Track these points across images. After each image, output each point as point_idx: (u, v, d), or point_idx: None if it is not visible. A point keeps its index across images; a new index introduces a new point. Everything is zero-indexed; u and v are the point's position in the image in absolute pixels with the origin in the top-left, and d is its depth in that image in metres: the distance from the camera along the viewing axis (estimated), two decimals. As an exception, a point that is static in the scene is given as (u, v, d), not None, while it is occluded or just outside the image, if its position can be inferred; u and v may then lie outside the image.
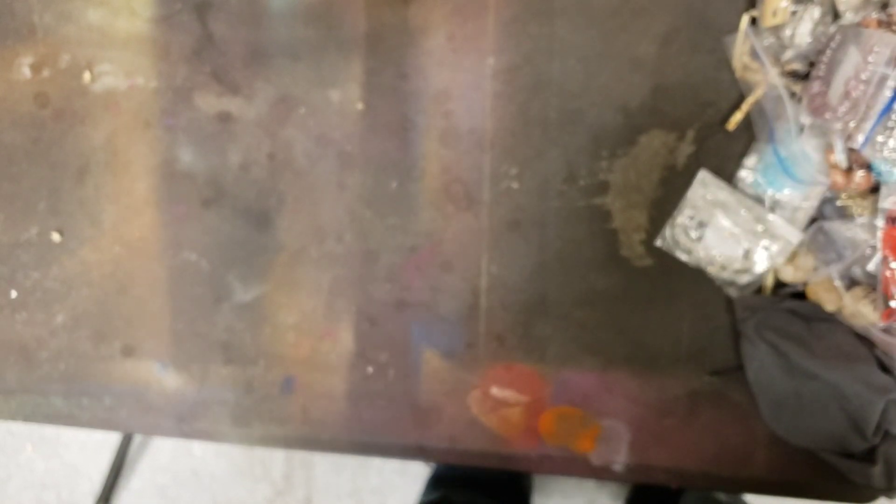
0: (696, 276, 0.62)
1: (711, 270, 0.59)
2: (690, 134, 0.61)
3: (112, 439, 1.51)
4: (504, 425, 0.64)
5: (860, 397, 0.55)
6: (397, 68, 0.63)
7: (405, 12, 0.62)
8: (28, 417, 0.71)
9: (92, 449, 1.52)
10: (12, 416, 0.71)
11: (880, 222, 0.55)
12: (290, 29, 0.63)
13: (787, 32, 0.55)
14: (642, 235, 0.62)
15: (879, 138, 0.53)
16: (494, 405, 0.60)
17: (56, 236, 0.68)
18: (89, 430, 0.72)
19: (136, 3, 0.65)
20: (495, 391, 0.61)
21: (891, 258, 0.54)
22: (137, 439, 1.52)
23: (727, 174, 0.61)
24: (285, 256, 0.66)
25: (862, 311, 0.56)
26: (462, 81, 0.62)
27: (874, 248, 0.56)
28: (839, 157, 0.56)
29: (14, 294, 0.69)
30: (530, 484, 1.31)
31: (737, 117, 0.59)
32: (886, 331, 0.56)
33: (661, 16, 0.60)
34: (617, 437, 0.64)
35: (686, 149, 0.61)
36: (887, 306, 0.55)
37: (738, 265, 0.58)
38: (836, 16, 0.55)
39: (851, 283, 0.57)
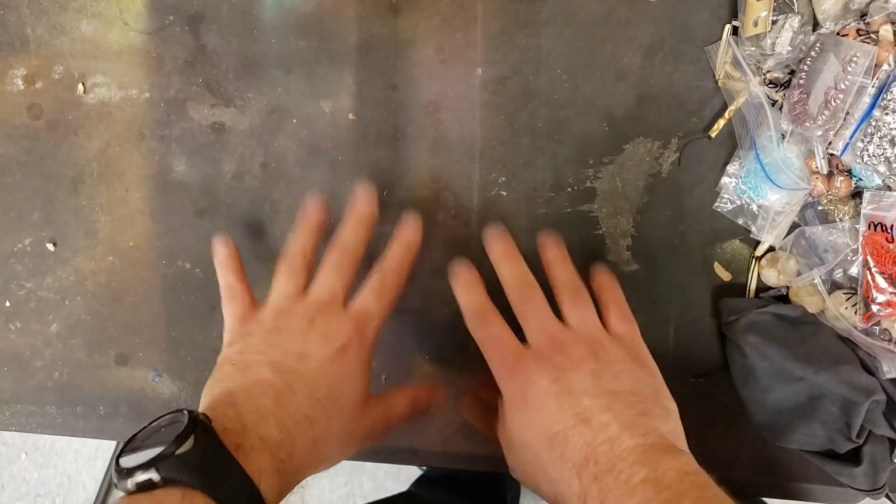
0: (681, 281, 0.63)
1: None
2: (674, 142, 0.62)
3: (106, 447, 1.51)
4: (495, 428, 0.65)
5: (845, 399, 0.55)
6: (388, 79, 0.64)
7: (395, 24, 0.63)
8: (22, 427, 0.71)
9: (86, 457, 1.52)
10: (6, 425, 0.71)
11: (861, 227, 0.56)
12: (282, 41, 0.64)
13: (768, 42, 0.56)
14: (628, 241, 0.63)
15: (859, 144, 0.54)
16: (485, 408, 0.61)
17: (50, 246, 0.68)
18: (84, 438, 0.72)
19: (129, 15, 0.65)
20: (486, 395, 0.61)
21: (871, 262, 0.55)
22: (131, 447, 1.51)
23: (710, 181, 0.62)
24: (278, 265, 0.66)
25: (844, 314, 0.57)
26: (451, 92, 0.63)
27: (855, 251, 0.57)
28: (820, 164, 0.57)
29: (8, 304, 0.70)
30: (519, 487, 1.31)
31: (719, 125, 0.61)
32: (868, 333, 0.57)
33: (645, 27, 0.61)
34: (606, 439, 0.64)
35: (670, 156, 0.62)
36: (868, 309, 0.56)
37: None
38: (815, 25, 0.56)
39: (834, 286, 0.58)
